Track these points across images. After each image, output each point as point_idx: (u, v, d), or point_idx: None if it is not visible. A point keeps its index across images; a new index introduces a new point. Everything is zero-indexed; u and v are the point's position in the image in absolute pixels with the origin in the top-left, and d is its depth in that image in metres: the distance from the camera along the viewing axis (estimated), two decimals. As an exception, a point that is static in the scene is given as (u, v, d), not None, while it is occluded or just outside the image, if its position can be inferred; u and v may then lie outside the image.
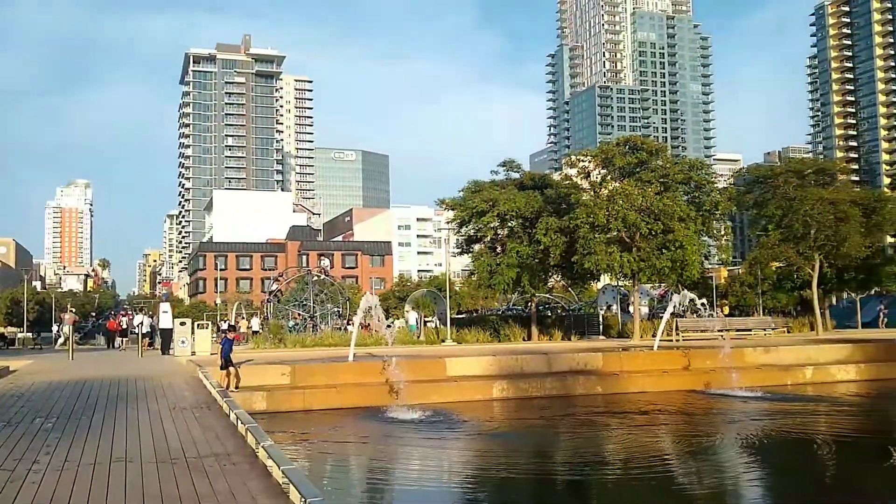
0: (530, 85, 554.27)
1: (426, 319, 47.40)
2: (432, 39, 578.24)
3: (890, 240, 55.82)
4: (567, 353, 26.99)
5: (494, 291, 45.50)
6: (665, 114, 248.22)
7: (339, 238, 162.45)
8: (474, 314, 71.89)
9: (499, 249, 39.88)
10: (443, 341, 37.28)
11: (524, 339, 38.63)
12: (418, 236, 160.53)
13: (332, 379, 22.78)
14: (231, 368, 20.36)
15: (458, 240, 42.38)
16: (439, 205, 42.81)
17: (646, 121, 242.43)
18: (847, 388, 26.26)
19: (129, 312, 67.07)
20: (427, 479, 14.40)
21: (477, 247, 41.15)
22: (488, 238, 40.25)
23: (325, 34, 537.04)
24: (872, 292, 57.71)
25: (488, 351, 28.82)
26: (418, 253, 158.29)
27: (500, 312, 62.73)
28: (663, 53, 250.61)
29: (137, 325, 37.67)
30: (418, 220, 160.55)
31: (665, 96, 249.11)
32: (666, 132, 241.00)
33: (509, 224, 39.32)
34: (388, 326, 47.46)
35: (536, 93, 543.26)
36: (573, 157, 41.82)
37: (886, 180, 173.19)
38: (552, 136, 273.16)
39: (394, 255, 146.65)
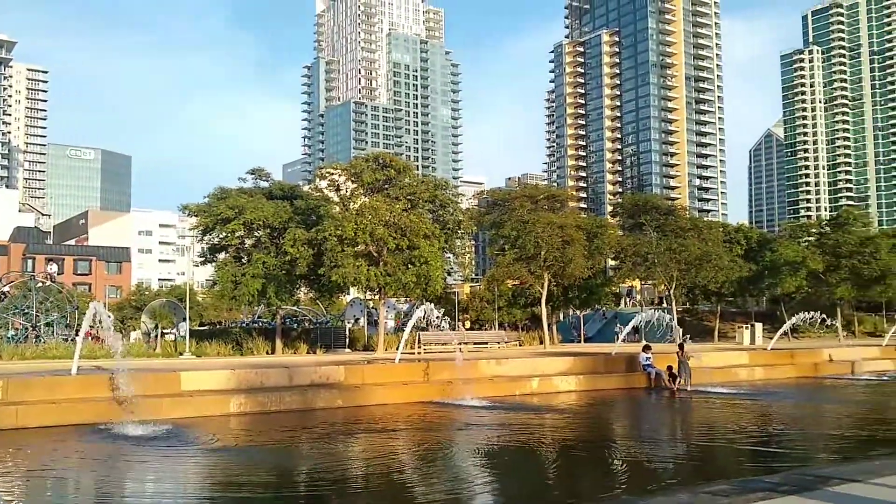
0: (286, 94, 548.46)
1: (164, 331, 45.12)
2: (187, 39, 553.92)
3: (612, 262, 61.33)
4: (309, 367, 26.88)
5: (239, 303, 44.38)
6: (417, 134, 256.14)
7: (72, 242, 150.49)
8: (217, 326, 69.59)
9: (244, 259, 39.01)
10: (181, 354, 35.75)
11: (268, 353, 38.02)
12: (160, 243, 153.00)
13: (52, 394, 20.98)
14: None
15: (202, 248, 40.95)
16: (183, 210, 41.13)
17: (399, 139, 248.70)
18: (568, 397, 28.42)
19: None
20: (158, 501, 13.65)
21: (222, 256, 39.99)
22: (233, 247, 39.25)
23: (68, 24, 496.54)
24: (594, 309, 63.18)
25: (228, 364, 27.99)
26: (160, 261, 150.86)
27: (244, 325, 61.26)
28: (416, 76, 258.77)
29: None
30: (161, 225, 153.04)
31: (417, 117, 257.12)
32: (418, 152, 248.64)
33: (256, 234, 38.66)
34: (150, 335, 44.79)
35: (292, 102, 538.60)
36: (323, 170, 41.98)
37: (609, 208, 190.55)
38: (306, 148, 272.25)
39: (133, 263, 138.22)
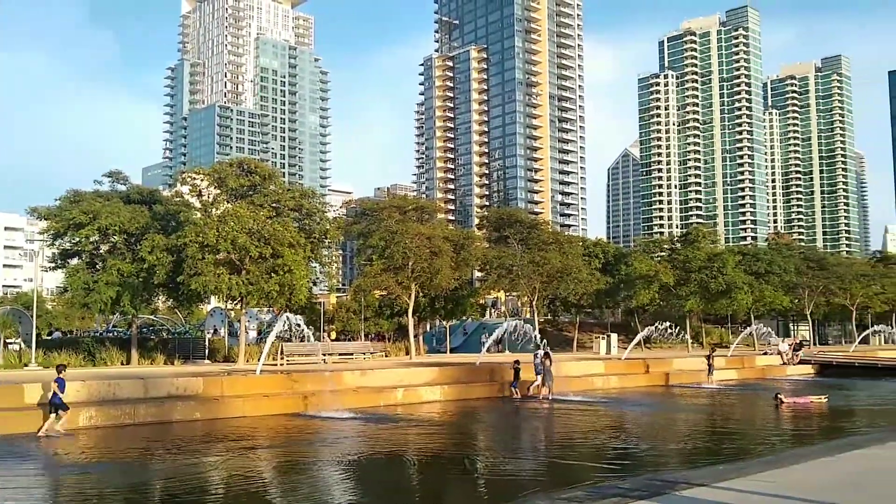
0: (147, 95, 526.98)
1: (7, 341, 42.37)
2: (38, 34, 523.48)
3: (478, 273, 62.26)
4: (166, 378, 25.93)
5: (91, 310, 42.24)
6: (284, 141, 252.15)
7: None
8: (69, 335, 66.04)
9: (99, 266, 37.23)
10: (25, 366, 33.69)
11: (123, 363, 36.41)
12: (6, 247, 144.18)
13: None
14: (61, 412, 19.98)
15: (52, 253, 38.79)
16: (32, 214, 38.79)
17: (265, 145, 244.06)
18: (432, 407, 28.64)
19: None
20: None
21: (74, 261, 38.01)
22: (87, 253, 37.39)
23: None
24: (460, 320, 63.90)
25: (78, 375, 26.60)
26: (5, 266, 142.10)
27: (98, 334, 58.46)
28: (284, 82, 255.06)
29: None
30: (6, 229, 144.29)
31: (285, 124, 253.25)
32: (285, 159, 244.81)
33: (112, 239, 36.96)
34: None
35: (154, 104, 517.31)
36: (185, 174, 40.64)
37: (476, 221, 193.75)
38: (168, 152, 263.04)
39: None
